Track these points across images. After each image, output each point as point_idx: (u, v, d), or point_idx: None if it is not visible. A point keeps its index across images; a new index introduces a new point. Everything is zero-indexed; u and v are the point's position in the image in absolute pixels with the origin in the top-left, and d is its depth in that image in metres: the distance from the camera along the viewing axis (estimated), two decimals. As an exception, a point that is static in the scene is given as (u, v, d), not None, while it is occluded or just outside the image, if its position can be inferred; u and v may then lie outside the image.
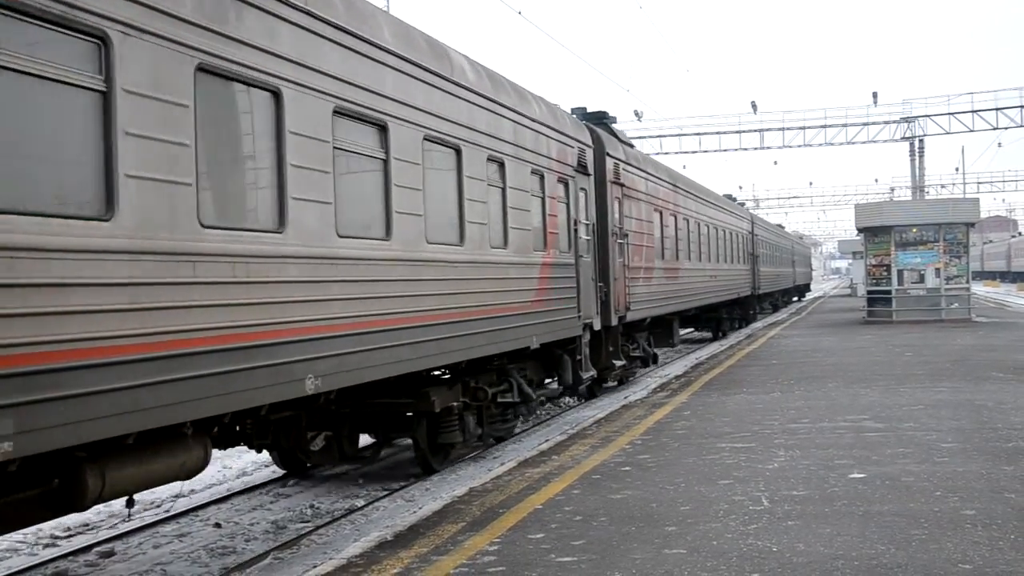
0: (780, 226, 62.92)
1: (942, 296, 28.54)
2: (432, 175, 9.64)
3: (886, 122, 53.63)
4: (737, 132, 55.09)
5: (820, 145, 54.83)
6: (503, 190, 11.50)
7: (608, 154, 16.30)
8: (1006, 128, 50.24)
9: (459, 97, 10.38)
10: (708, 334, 32.55)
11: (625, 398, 14.88)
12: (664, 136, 55.18)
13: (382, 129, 8.67)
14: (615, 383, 18.01)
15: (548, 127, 13.38)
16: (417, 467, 11.27)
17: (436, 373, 10.83)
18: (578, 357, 14.33)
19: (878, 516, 6.76)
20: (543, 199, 12.99)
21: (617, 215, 16.67)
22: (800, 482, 7.94)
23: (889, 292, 28.91)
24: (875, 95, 53.91)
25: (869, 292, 30.10)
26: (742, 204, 43.42)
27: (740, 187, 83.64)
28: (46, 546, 9.05)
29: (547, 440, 11.23)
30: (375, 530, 7.60)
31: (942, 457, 8.74)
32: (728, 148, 55.82)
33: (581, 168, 14.82)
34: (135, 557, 8.53)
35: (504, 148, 11.56)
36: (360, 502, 10.23)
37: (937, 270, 28.53)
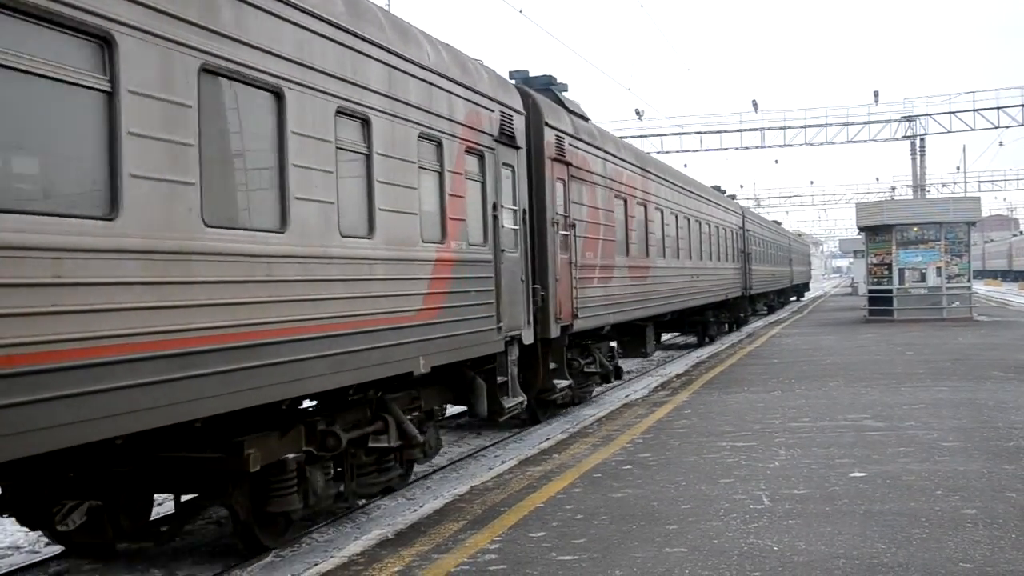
0: (776, 222, 59.89)
1: (943, 295, 28.56)
2: (217, 125, 6.56)
3: (887, 121, 53.58)
4: (738, 131, 55.05)
5: (821, 144, 54.80)
6: (367, 157, 8.33)
7: (548, 124, 13.12)
8: (1007, 127, 50.22)
9: (278, 16, 7.14)
10: (694, 339, 29.81)
11: (626, 396, 14.89)
12: (665, 135, 55.17)
13: (104, 44, 5.52)
14: (570, 403, 15.26)
15: (449, 80, 10.08)
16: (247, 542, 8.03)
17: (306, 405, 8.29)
18: (501, 379, 11.29)
19: (879, 515, 6.77)
20: (440, 174, 9.70)
21: (561, 201, 13.48)
22: (801, 481, 7.95)
23: (890, 291, 28.92)
24: (876, 94, 53.79)
25: (870, 291, 30.12)
26: (733, 197, 38.14)
27: (741, 186, 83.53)
28: (47, 544, 9.06)
29: (548, 439, 11.24)
30: (376, 528, 7.61)
31: (943, 456, 8.75)
32: (729, 147, 55.78)
33: (506, 139, 11.51)
34: (137, 556, 8.53)
35: (369, 99, 8.34)
36: (361, 501, 10.23)
37: (938, 269, 28.54)
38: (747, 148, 55.69)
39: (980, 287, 59.67)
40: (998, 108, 49.68)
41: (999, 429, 10.06)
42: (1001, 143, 60.39)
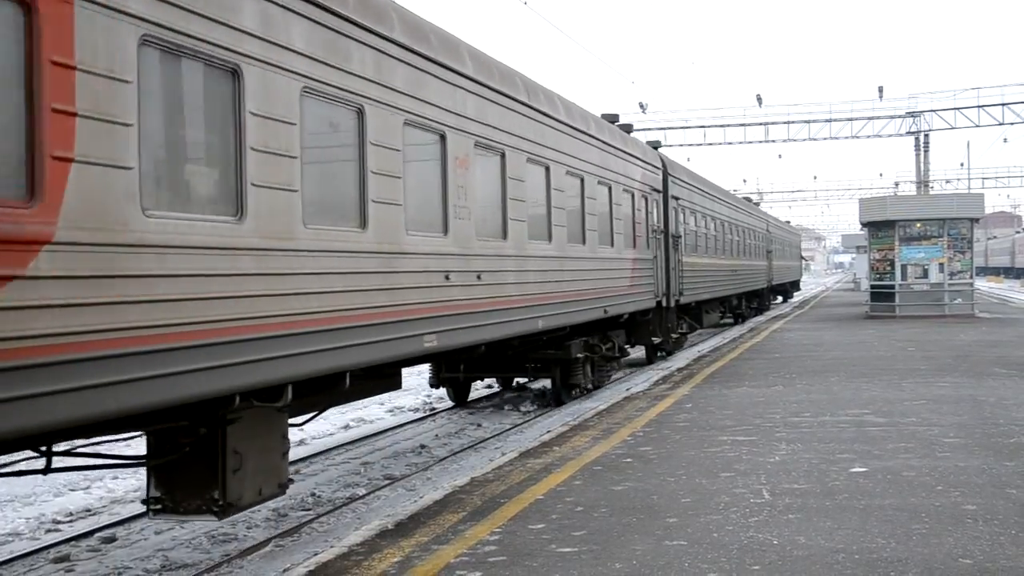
0: (749, 199, 47.65)
1: (945, 291, 28.53)
2: None
3: (891, 116, 53.50)
4: (742, 125, 54.95)
5: (825, 139, 54.75)
6: None
7: None
8: (1012, 124, 50.20)
9: None
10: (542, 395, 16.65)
11: (627, 390, 14.88)
12: (668, 128, 55.06)
13: None
14: None
15: None
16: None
17: None
18: None
19: (879, 510, 6.77)
20: None
21: None
22: (801, 475, 7.95)
23: (892, 287, 28.89)
24: (880, 89, 53.70)
25: (872, 287, 30.09)
26: (656, 146, 22.47)
27: (744, 180, 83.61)
28: (48, 531, 9.09)
29: (549, 431, 11.24)
30: (376, 518, 7.62)
31: (944, 452, 8.74)
32: (733, 141, 55.70)
33: None
34: (137, 543, 8.56)
35: None
36: (361, 491, 10.26)
37: (941, 265, 28.51)
38: (751, 142, 55.62)
39: (983, 284, 59.66)
40: (1003, 104, 49.62)
41: (1000, 426, 10.05)
42: (1005, 140, 60.60)
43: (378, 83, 8.07)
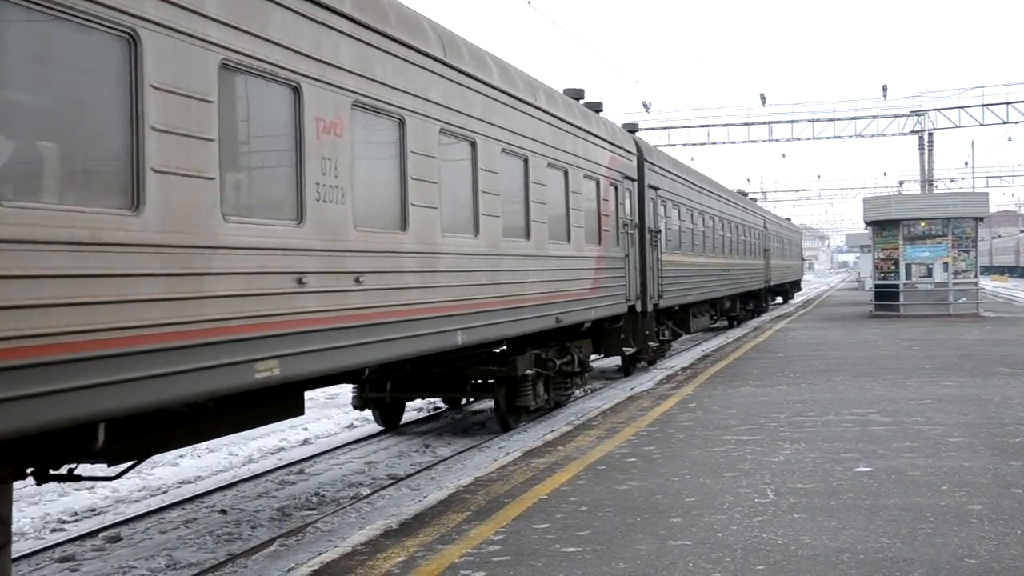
0: (744, 193, 43.69)
1: (950, 291, 28.50)
2: None
3: (895, 115, 53.37)
4: (745, 124, 54.84)
5: (829, 138, 54.64)
6: None
7: None
8: (1016, 122, 50.07)
9: None
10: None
11: (631, 389, 14.88)
12: (672, 128, 55.00)
13: None
14: None
15: None
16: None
17: None
18: None
19: (884, 510, 6.75)
20: None
21: None
22: (806, 475, 7.94)
23: (897, 286, 28.87)
24: (885, 88, 53.89)
25: (876, 286, 30.05)
26: (634, 129, 20.08)
27: (748, 179, 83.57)
28: (53, 530, 9.10)
29: (553, 431, 11.24)
30: (380, 518, 7.62)
31: (949, 451, 8.73)
32: (736, 140, 55.62)
33: None
34: (142, 542, 8.56)
35: None
36: (365, 491, 10.27)
37: (945, 264, 28.47)
38: (754, 141, 55.52)
39: (987, 283, 59.57)
40: (1007, 103, 49.50)
41: (1005, 425, 10.03)
42: (1010, 138, 60.61)
43: (167, 1, 5.72)
